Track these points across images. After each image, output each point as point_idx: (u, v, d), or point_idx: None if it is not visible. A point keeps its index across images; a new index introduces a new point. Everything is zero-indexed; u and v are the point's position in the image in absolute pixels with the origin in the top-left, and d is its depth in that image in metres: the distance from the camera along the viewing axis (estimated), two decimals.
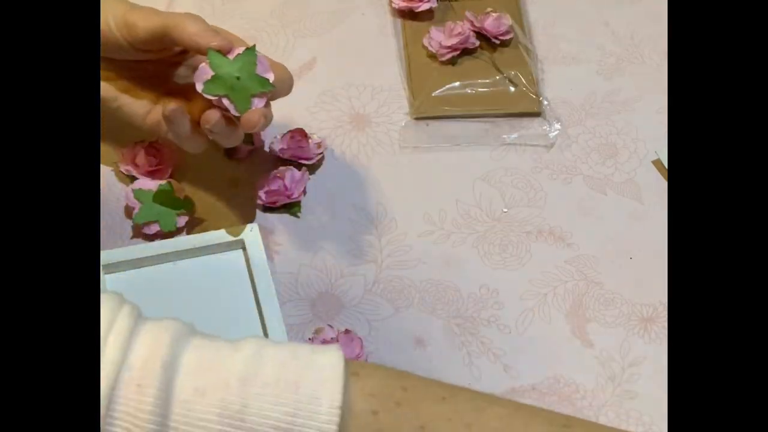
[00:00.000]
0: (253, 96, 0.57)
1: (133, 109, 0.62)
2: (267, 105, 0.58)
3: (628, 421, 0.59)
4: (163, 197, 0.65)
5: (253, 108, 0.57)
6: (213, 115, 0.57)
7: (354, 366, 0.46)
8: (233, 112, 0.56)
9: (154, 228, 0.64)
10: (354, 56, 0.77)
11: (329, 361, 0.44)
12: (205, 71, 0.56)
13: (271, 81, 0.57)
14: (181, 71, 0.63)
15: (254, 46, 0.57)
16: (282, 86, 0.60)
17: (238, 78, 0.56)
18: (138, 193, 0.64)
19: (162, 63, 0.62)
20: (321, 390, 0.43)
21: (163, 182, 0.66)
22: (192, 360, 0.43)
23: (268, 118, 0.58)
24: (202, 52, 0.57)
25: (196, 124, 0.59)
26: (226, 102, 0.56)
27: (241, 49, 0.57)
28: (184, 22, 0.58)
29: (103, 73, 0.62)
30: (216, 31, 0.58)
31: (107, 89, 0.62)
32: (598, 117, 0.74)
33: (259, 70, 0.57)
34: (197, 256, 0.64)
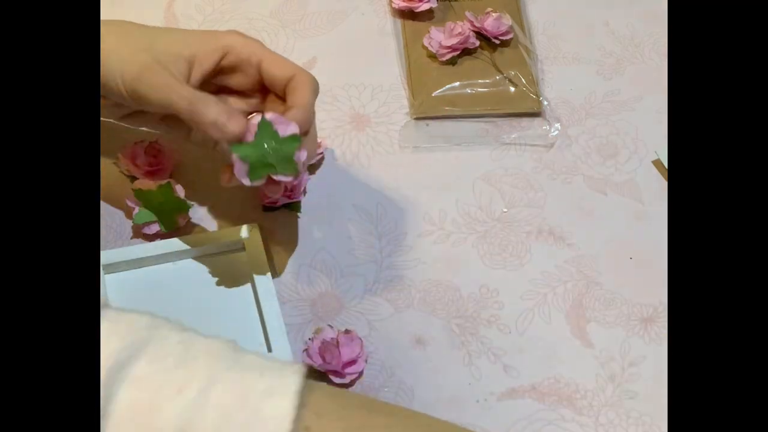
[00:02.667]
0: (293, 156, 0.55)
1: (174, 132, 0.61)
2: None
3: (628, 421, 0.59)
4: (163, 197, 0.64)
5: (300, 162, 0.55)
6: (225, 177, 0.57)
7: (309, 417, 0.41)
8: (288, 179, 0.55)
9: (154, 228, 0.64)
10: (354, 56, 0.77)
11: (279, 412, 0.40)
12: (241, 165, 0.54)
13: (296, 132, 0.55)
14: (195, 134, 0.62)
15: (263, 116, 0.55)
16: (308, 123, 0.57)
17: (270, 152, 0.54)
18: (138, 193, 0.64)
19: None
20: None
21: (163, 182, 0.65)
22: (126, 402, 0.39)
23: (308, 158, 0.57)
24: (217, 138, 0.55)
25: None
26: (277, 177, 0.55)
27: (254, 126, 0.55)
28: (199, 109, 0.54)
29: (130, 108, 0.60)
30: (230, 114, 0.55)
31: (144, 121, 0.61)
32: (598, 117, 0.74)
33: (282, 131, 0.55)
34: (197, 256, 0.64)
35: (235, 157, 0.54)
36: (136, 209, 0.64)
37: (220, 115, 0.54)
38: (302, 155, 0.55)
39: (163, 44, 0.58)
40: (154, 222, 0.64)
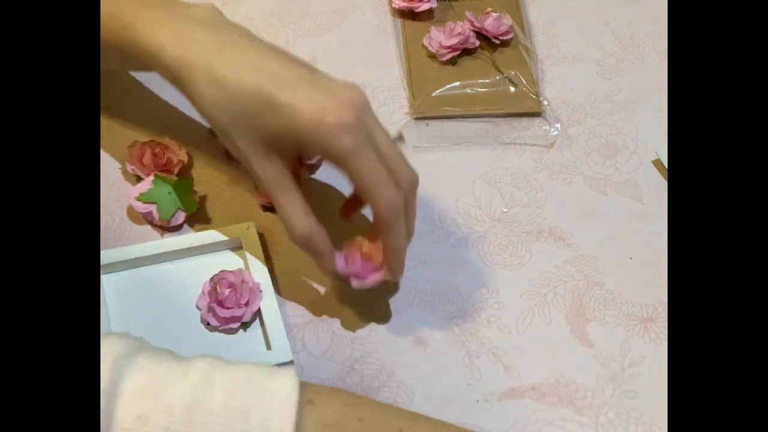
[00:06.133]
0: None
1: None
2: None
3: (628, 421, 0.59)
4: (176, 189, 0.65)
5: None
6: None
7: (310, 392, 0.44)
8: None
9: (150, 210, 0.64)
10: (354, 56, 0.77)
11: (283, 388, 0.42)
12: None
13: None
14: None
15: None
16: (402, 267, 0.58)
17: None
18: (156, 176, 0.65)
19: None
20: (272, 419, 0.41)
21: (188, 178, 0.66)
22: (134, 384, 0.41)
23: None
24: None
25: None
26: None
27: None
28: (278, 198, 0.55)
29: None
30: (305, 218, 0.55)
31: None
32: (598, 117, 0.74)
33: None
34: (196, 256, 0.64)
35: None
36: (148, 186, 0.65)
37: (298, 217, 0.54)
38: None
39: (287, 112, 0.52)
40: (153, 203, 0.64)
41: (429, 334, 0.62)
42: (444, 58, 0.75)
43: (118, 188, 0.67)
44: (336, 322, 0.62)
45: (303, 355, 0.60)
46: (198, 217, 0.66)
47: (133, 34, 0.53)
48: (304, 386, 0.44)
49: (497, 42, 0.76)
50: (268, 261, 0.64)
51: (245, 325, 0.61)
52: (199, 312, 0.61)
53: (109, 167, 0.68)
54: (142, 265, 0.63)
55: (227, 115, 0.52)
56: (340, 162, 0.52)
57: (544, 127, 0.73)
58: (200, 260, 0.63)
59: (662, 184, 0.70)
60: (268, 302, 0.61)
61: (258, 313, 0.61)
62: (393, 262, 0.56)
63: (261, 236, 0.64)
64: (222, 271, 0.60)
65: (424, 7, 0.78)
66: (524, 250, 0.66)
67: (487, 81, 0.74)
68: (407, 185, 0.55)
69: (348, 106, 0.51)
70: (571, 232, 0.67)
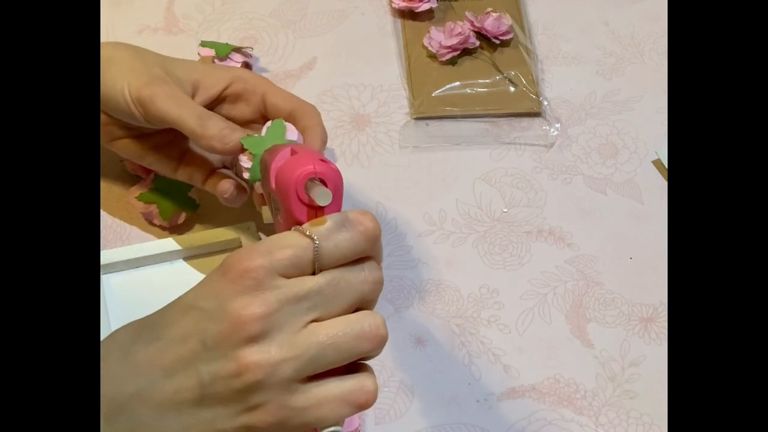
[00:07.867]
0: None
1: (162, 166, 0.62)
2: None
3: (628, 421, 0.59)
4: (176, 189, 0.65)
5: None
6: (227, 186, 0.59)
7: None
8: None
9: (152, 209, 0.64)
10: (354, 56, 0.77)
11: None
12: (244, 162, 0.55)
13: (297, 140, 0.57)
14: (183, 170, 0.63)
15: (281, 119, 0.57)
16: (326, 139, 0.60)
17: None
18: (156, 177, 0.65)
19: (176, 133, 0.59)
20: None
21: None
22: None
23: None
24: (219, 153, 0.56)
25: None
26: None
27: (269, 123, 0.57)
28: (206, 123, 0.55)
29: (121, 132, 0.61)
30: (232, 127, 0.56)
31: (133, 150, 0.61)
32: (598, 117, 0.74)
33: (289, 137, 0.56)
34: (196, 256, 0.64)
35: (242, 157, 0.55)
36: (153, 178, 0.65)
37: (223, 128, 0.55)
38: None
39: (173, 66, 0.59)
40: (153, 204, 0.64)
41: (429, 334, 0.62)
42: (444, 58, 0.75)
43: (118, 188, 0.67)
44: None
45: None
46: (198, 217, 0.66)
47: None
48: None
49: (497, 42, 0.76)
50: None
51: None
52: None
53: (110, 167, 0.68)
54: (142, 265, 0.63)
55: (147, 75, 0.57)
56: (266, 89, 0.61)
57: (544, 127, 0.73)
58: (201, 260, 0.63)
59: (662, 184, 0.70)
60: None
61: None
62: None
63: (261, 236, 0.64)
64: None
65: (424, 7, 0.78)
66: (524, 250, 0.66)
67: (487, 81, 0.74)
68: None
69: None
70: (571, 232, 0.67)
